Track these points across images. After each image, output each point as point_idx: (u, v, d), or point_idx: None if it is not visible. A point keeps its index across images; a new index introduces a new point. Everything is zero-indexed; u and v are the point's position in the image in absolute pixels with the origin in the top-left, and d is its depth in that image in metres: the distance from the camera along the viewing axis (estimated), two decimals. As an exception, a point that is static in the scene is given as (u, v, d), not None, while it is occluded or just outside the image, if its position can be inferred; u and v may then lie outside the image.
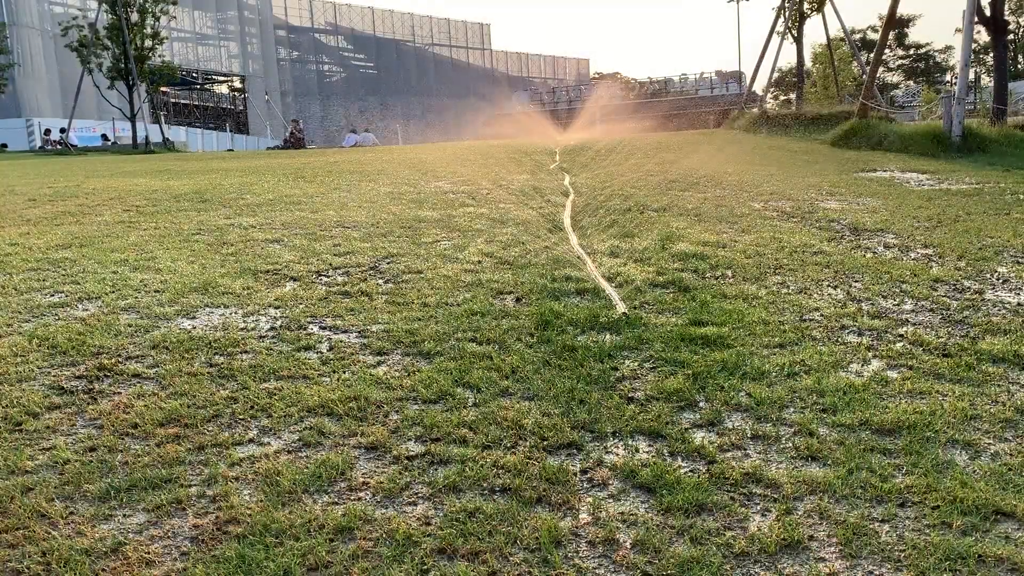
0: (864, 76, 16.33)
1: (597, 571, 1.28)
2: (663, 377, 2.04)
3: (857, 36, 43.47)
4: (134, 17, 26.49)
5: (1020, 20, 48.30)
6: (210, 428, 1.78)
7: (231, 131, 42.13)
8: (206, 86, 49.18)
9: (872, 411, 1.83)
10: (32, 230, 4.29)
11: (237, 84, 51.01)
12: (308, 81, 55.60)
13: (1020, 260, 3.46)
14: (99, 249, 3.67)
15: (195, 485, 1.54)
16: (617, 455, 1.65)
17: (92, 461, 1.63)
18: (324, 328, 2.49)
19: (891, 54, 53.37)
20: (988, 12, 12.65)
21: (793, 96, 28.74)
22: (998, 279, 3.12)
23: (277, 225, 4.35)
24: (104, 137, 29.36)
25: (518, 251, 3.57)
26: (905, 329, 2.46)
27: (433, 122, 53.52)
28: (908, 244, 3.81)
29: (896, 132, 11.19)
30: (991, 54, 17.04)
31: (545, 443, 1.69)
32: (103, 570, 1.28)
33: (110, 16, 26.41)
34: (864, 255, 3.54)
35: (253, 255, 3.51)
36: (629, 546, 1.34)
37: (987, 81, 37.31)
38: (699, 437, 1.73)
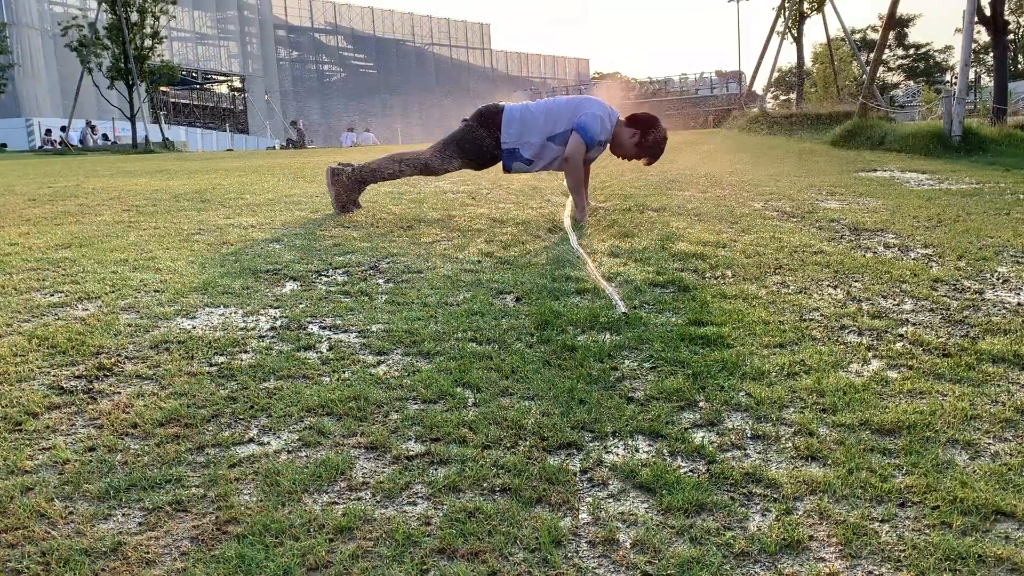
0: (864, 76, 16.32)
1: (597, 571, 1.28)
2: (663, 377, 2.04)
3: (857, 36, 43.47)
4: (134, 17, 26.48)
5: (1020, 20, 48.28)
6: (210, 428, 1.78)
7: (231, 131, 42.08)
8: (206, 86, 49.12)
9: (872, 411, 1.83)
10: (32, 230, 4.29)
11: (237, 84, 50.93)
12: (308, 81, 55.55)
13: (1020, 260, 3.46)
14: (99, 249, 3.67)
15: (195, 485, 1.54)
16: (617, 455, 1.65)
17: (92, 461, 1.63)
18: (324, 328, 2.49)
19: (891, 54, 53.37)
20: (988, 12, 12.66)
21: (793, 96, 28.75)
22: (998, 279, 3.12)
23: (277, 225, 4.35)
24: (104, 136, 29.45)
25: (518, 251, 3.57)
26: (905, 329, 2.46)
27: (433, 122, 53.49)
28: (908, 244, 3.81)
29: (896, 132, 11.19)
30: (991, 54, 17.04)
31: (545, 443, 1.69)
32: (103, 570, 1.28)
33: (110, 16, 26.39)
34: (864, 255, 3.54)
35: (253, 255, 3.51)
36: (629, 546, 1.34)
37: (987, 81, 37.32)
38: (699, 437, 1.73)
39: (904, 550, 1.32)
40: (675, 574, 1.26)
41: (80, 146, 25.66)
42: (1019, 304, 2.76)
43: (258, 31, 50.46)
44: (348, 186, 4.67)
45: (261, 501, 1.47)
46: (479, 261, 3.36)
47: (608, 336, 2.37)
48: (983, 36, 28.31)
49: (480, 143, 4.51)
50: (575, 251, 3.50)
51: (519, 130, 4.44)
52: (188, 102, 43.99)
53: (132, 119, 26.19)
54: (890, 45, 48.79)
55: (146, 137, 25.81)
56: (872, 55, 16.53)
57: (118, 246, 3.75)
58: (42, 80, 37.60)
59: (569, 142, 4.40)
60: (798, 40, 23.30)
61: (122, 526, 1.41)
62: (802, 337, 2.37)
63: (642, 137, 4.47)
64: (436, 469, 1.60)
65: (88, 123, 28.59)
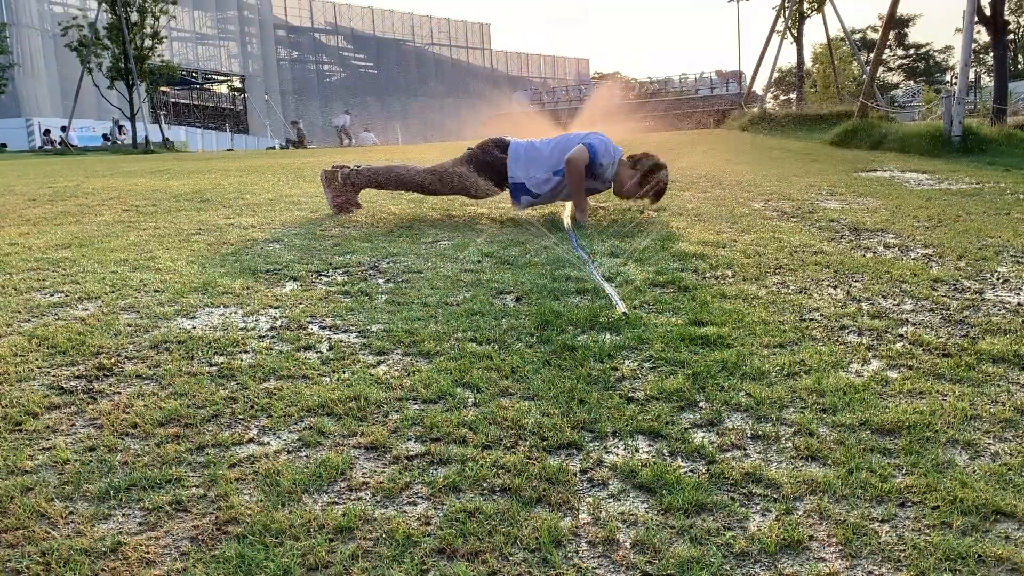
0: (864, 76, 16.32)
1: (597, 571, 1.28)
2: (663, 377, 2.04)
3: (857, 36, 43.48)
4: (134, 17, 26.47)
5: (1020, 20, 48.30)
6: (210, 428, 1.78)
7: (231, 131, 42.06)
8: (206, 86, 49.07)
9: (872, 411, 1.83)
10: (32, 230, 4.29)
11: (237, 84, 50.88)
12: (308, 81, 55.51)
13: (1020, 260, 3.46)
14: (99, 249, 3.67)
15: (195, 485, 1.54)
16: (617, 455, 1.65)
17: (92, 461, 1.63)
18: (324, 328, 2.49)
19: (891, 54, 53.38)
20: (988, 12, 12.65)
21: (793, 96, 28.75)
22: (998, 279, 3.12)
23: (277, 225, 4.35)
24: (105, 137, 29.54)
25: (518, 251, 3.57)
26: (905, 329, 2.46)
27: (433, 122, 53.47)
28: (908, 244, 3.81)
29: (896, 132, 11.19)
30: (991, 54, 17.03)
31: (545, 443, 1.69)
32: (103, 570, 1.28)
33: (110, 16, 26.38)
34: (864, 255, 3.54)
35: (253, 255, 3.51)
36: (629, 546, 1.34)
37: (987, 81, 37.31)
38: (699, 437, 1.73)
39: (904, 550, 1.32)
40: (675, 574, 1.26)
41: (108, 143, 25.96)
42: (1019, 304, 2.76)
43: (258, 31, 50.45)
44: (343, 187, 4.69)
45: (261, 501, 1.47)
46: (479, 261, 3.36)
47: (608, 336, 2.37)
48: (983, 36, 28.31)
49: (483, 173, 4.51)
50: (575, 251, 3.50)
51: (525, 166, 4.45)
52: (188, 102, 43.96)
53: (132, 119, 26.19)
54: (890, 45, 48.79)
55: (146, 137, 25.81)
56: (872, 55, 16.53)
57: (118, 246, 3.75)
58: (42, 80, 37.60)
59: (574, 150, 4.39)
60: (798, 40, 23.31)
61: (122, 526, 1.41)
62: (802, 337, 2.37)
63: (643, 176, 4.47)
64: (436, 469, 1.60)
65: (115, 121, 29.02)
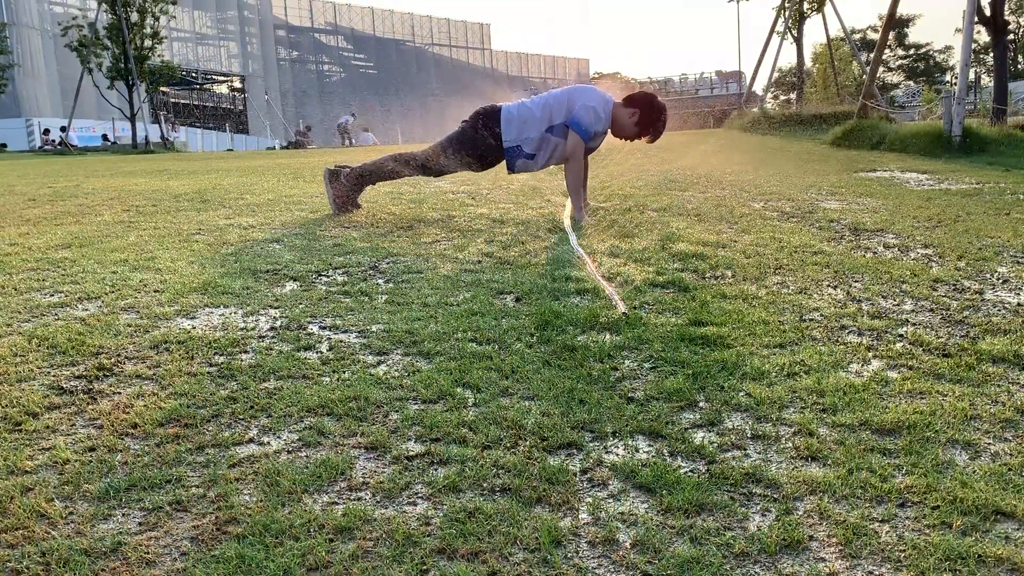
0: (864, 76, 16.32)
1: (597, 571, 1.29)
2: (663, 377, 2.04)
3: (857, 36, 43.47)
4: (134, 17, 26.45)
5: (1020, 20, 48.28)
6: (210, 428, 1.78)
7: (231, 131, 42.05)
8: (206, 86, 49.04)
9: (872, 411, 1.83)
10: (32, 230, 4.29)
11: (237, 84, 50.83)
12: (308, 81, 55.49)
13: (1020, 260, 3.46)
14: (99, 249, 3.67)
15: (195, 485, 1.54)
16: (617, 455, 1.65)
17: (92, 461, 1.63)
18: (324, 328, 2.49)
19: (891, 54, 53.37)
20: (988, 12, 12.65)
21: (793, 96, 28.75)
22: (998, 279, 3.12)
23: (277, 225, 4.35)
24: (104, 137, 29.55)
25: (518, 251, 3.57)
26: (905, 329, 2.46)
27: (433, 122, 53.51)
28: (908, 244, 3.81)
29: (896, 132, 11.18)
30: (991, 54, 17.03)
31: (545, 443, 1.70)
32: (103, 570, 1.28)
33: (110, 16, 26.36)
34: (864, 255, 3.54)
35: (253, 255, 3.51)
36: (629, 546, 1.34)
37: (987, 81, 37.31)
38: (699, 437, 1.73)
39: (904, 550, 1.32)
40: (675, 574, 1.26)
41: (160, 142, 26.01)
42: (1019, 304, 2.76)
43: (258, 31, 50.46)
44: (346, 187, 4.70)
45: (261, 501, 1.47)
46: (479, 261, 3.36)
47: (608, 336, 2.37)
48: (983, 36, 28.32)
49: (480, 144, 4.53)
50: (575, 251, 3.50)
51: (519, 127, 4.48)
52: (188, 102, 43.94)
53: (132, 119, 26.19)
54: (890, 45, 48.79)
55: (146, 137, 25.81)
56: (872, 55, 16.52)
57: (118, 246, 3.74)
58: (42, 80, 37.61)
59: (568, 141, 4.43)
60: (798, 40, 23.31)
61: (122, 526, 1.41)
62: (802, 337, 2.37)
63: (641, 116, 4.47)
64: (436, 469, 1.60)
65: (166, 119, 29.27)
